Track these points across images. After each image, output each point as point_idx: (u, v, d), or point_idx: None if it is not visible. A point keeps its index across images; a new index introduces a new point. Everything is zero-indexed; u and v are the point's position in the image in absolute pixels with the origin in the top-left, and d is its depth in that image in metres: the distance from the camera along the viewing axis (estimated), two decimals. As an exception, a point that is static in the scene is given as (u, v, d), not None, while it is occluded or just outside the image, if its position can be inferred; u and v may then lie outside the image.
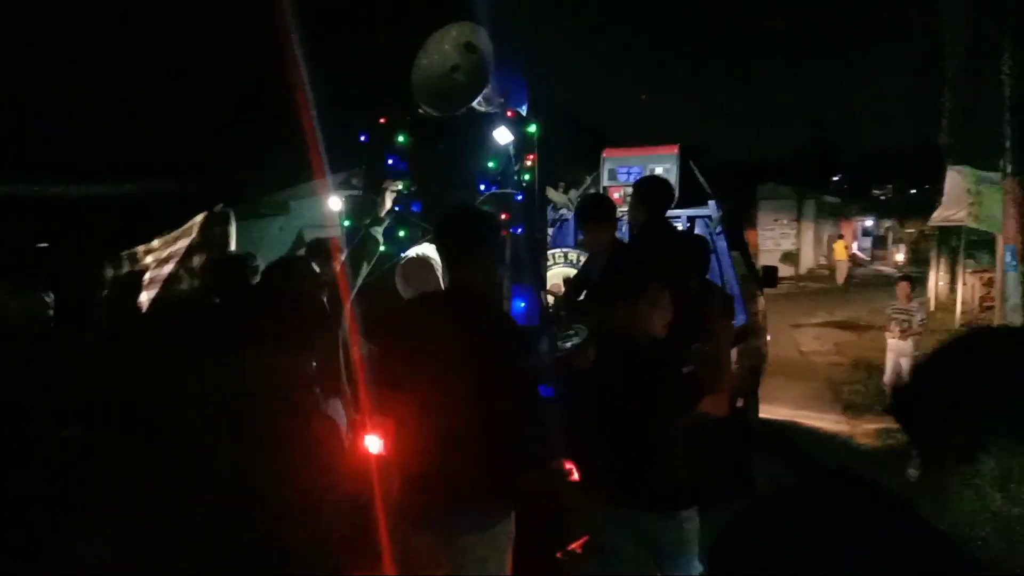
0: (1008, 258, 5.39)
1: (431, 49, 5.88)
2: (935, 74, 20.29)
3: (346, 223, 5.38)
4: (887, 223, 39.12)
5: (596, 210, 4.54)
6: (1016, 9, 5.91)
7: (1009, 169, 5.51)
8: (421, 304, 3.09)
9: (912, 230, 37.53)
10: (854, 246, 35.84)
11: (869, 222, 39.24)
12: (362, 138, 5.90)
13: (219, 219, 5.91)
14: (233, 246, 5.93)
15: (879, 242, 38.61)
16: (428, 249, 4.67)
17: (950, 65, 17.63)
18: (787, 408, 9.12)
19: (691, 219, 6.48)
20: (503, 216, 4.93)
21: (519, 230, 5.11)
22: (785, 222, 31.22)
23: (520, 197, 5.12)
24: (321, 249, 5.25)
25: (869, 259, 35.27)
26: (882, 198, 43.14)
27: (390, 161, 5.61)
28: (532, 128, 5.46)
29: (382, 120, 5.92)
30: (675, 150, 6.86)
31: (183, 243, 5.83)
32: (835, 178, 42.30)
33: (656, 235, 4.48)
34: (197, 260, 5.73)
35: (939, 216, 11.08)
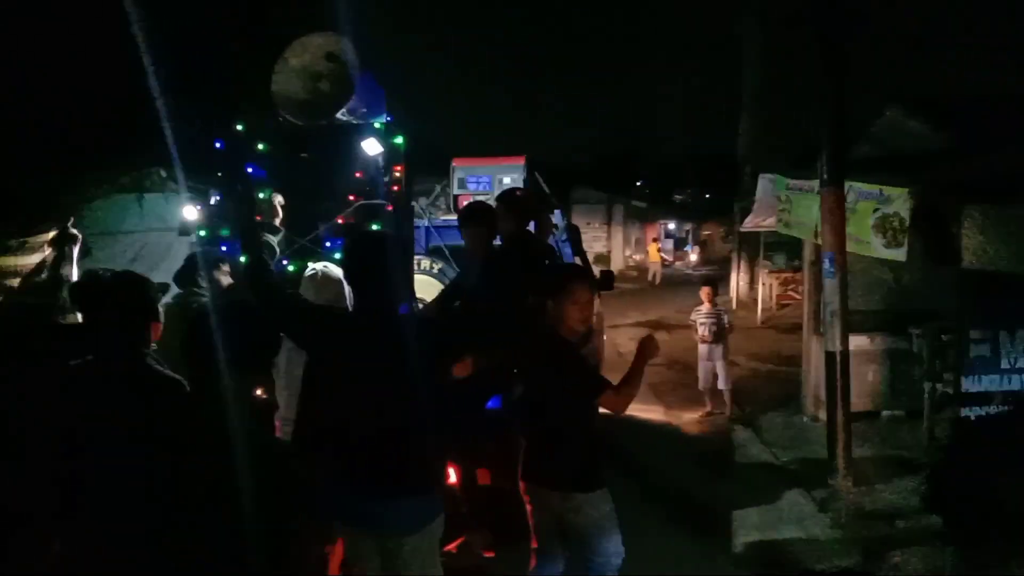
0: (827, 265, 5.65)
1: (291, 58, 5.87)
2: (732, 85, 21.75)
3: (201, 233, 5.31)
4: (687, 226, 41.56)
5: (476, 214, 4.69)
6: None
7: (825, 178, 5.74)
8: (339, 322, 3.24)
9: (709, 232, 40.21)
10: (658, 248, 37.82)
11: (671, 225, 41.46)
12: (217, 144, 5.76)
13: (70, 238, 5.63)
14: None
15: (680, 244, 40.90)
16: (330, 265, 4.83)
17: (747, 76, 18.94)
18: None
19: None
20: (374, 227, 5.03)
21: (394, 236, 4.91)
22: (596, 225, 32.45)
23: (390, 207, 5.22)
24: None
25: (671, 260, 37.26)
26: (678, 200, 45.87)
27: (250, 169, 5.57)
28: (399, 139, 5.55)
29: (238, 127, 5.86)
30: (522, 160, 7.23)
31: (32, 258, 5.54)
32: (638, 183, 44.47)
33: (527, 243, 4.69)
34: (44, 276, 5.47)
35: (751, 222, 11.76)
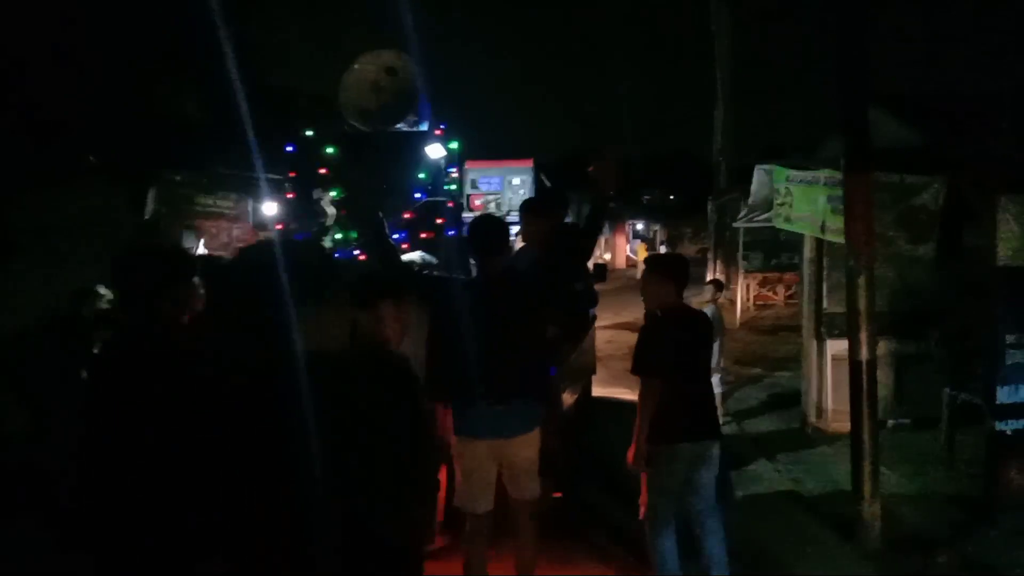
0: (851, 262, 4.96)
1: (356, 70, 6.73)
2: (700, 84, 21.23)
3: (338, 236, 5.99)
4: (655, 226, 41.11)
5: (536, 208, 5.05)
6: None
7: (846, 164, 5.03)
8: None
9: (675, 232, 39.82)
10: (627, 248, 37.36)
11: (640, 225, 41.03)
12: (288, 148, 6.52)
13: None
14: None
15: (650, 244, 40.43)
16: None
17: (721, 71, 18.37)
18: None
19: None
20: (439, 220, 5.86)
21: (453, 232, 5.96)
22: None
23: (451, 204, 6.07)
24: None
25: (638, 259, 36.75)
26: (646, 201, 45.43)
27: (322, 171, 6.31)
28: (455, 144, 6.48)
29: (308, 133, 6.61)
30: (530, 163, 8.34)
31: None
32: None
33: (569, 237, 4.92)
34: None
35: (746, 217, 11.08)
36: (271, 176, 10.41)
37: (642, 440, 4.17)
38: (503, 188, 8.16)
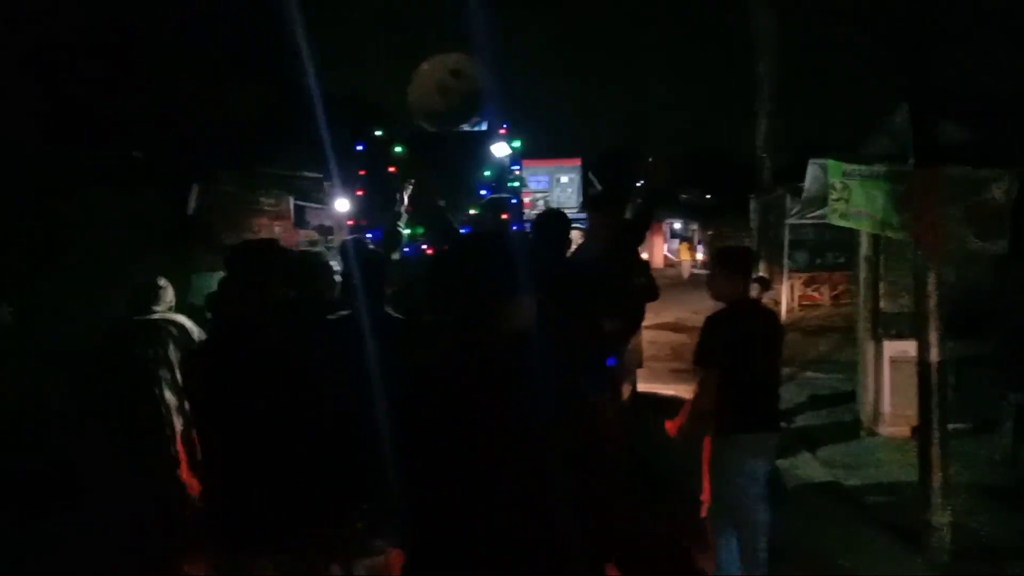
0: (920, 259, 4.75)
1: (423, 73, 6.96)
2: (742, 82, 20.87)
3: (407, 231, 6.05)
4: (693, 225, 40.63)
5: (601, 203, 5.21)
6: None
7: (912, 159, 4.83)
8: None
9: (712, 231, 39.30)
10: (664, 248, 37.05)
11: (677, 224, 40.61)
12: (359, 147, 6.75)
13: None
14: None
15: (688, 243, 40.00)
16: None
17: (765, 68, 18.04)
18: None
19: None
20: (504, 216, 5.79)
21: (517, 227, 6.15)
22: (601, 224, 31.57)
23: (515, 200, 6.12)
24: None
25: (678, 259, 36.39)
26: (684, 200, 44.92)
27: (391, 169, 6.39)
28: (517, 143, 6.65)
29: (378, 132, 6.80)
30: (578, 162, 9.45)
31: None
32: (639, 184, 43.48)
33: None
34: None
35: (799, 214, 10.83)
36: (310, 175, 10.55)
37: (688, 423, 4.23)
38: (551, 186, 8.64)
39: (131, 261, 6.97)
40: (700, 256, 36.86)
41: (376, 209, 6.38)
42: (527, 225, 7.32)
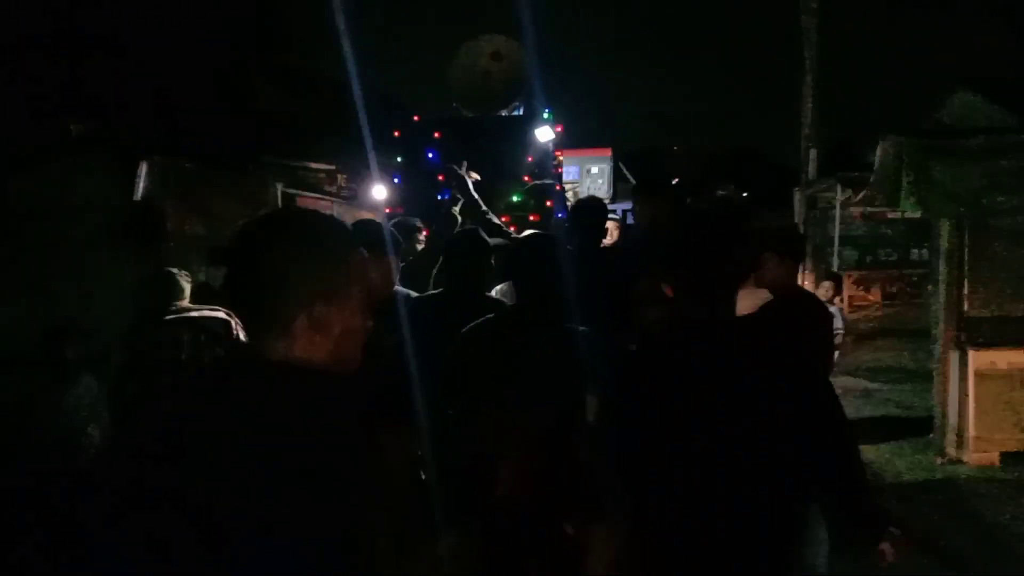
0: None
1: (464, 55, 6.76)
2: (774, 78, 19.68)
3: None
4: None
5: (647, 189, 4.80)
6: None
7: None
8: None
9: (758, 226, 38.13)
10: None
11: (713, 221, 39.57)
12: (396, 133, 6.69)
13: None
14: None
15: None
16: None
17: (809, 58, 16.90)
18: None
19: (624, 212, 7.48)
20: (548, 203, 5.77)
21: (561, 215, 5.81)
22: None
23: (559, 187, 6.04)
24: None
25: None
26: (720, 196, 43.78)
27: (430, 155, 6.29)
28: (559, 128, 6.39)
29: (415, 118, 6.75)
30: (609, 152, 8.58)
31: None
32: (675, 181, 42.53)
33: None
34: None
35: (861, 203, 9.70)
36: (320, 166, 9.71)
37: None
38: (580, 176, 8.15)
39: (89, 251, 6.14)
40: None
41: (412, 196, 6.33)
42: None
